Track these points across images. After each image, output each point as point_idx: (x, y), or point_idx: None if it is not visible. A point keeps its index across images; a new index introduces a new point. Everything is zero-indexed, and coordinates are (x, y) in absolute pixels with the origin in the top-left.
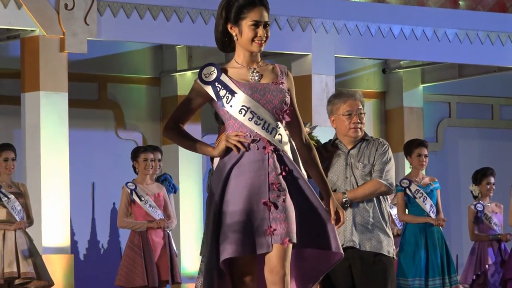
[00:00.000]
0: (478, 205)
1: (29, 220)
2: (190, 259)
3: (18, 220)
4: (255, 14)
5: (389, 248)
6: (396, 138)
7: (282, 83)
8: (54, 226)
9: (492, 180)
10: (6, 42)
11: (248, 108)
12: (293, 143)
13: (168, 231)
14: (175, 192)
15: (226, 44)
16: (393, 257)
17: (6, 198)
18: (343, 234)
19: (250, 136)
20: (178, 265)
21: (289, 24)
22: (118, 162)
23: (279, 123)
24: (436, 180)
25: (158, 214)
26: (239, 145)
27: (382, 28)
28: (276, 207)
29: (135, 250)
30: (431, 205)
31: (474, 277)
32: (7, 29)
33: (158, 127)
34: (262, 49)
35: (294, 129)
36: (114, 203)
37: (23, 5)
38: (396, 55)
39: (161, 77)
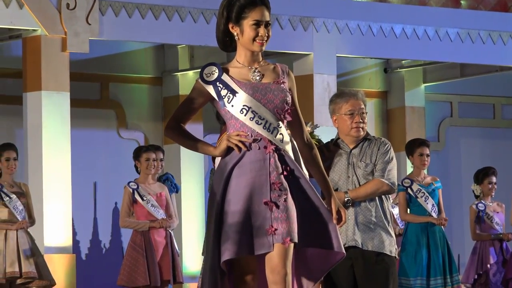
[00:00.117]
0: (480, 204)
1: (31, 220)
2: (192, 259)
3: (20, 219)
4: (256, 14)
5: (391, 247)
6: (398, 138)
7: (283, 82)
8: (56, 225)
9: (494, 179)
10: (8, 42)
11: (249, 108)
12: (295, 142)
13: (170, 230)
14: (177, 192)
15: (228, 44)
16: (395, 257)
17: (8, 198)
18: (345, 234)
19: (251, 136)
20: (180, 264)
21: (291, 23)
22: (120, 162)
23: (280, 122)
24: (438, 179)
25: (160, 214)
26: (240, 144)
27: (384, 27)
28: (277, 206)
29: (137, 250)
30: (433, 204)
31: (476, 276)
32: (9, 28)
33: (160, 126)
34: (264, 48)
35: (295, 128)
36: (116, 203)
37: (25, 5)
38: (397, 55)
39: (163, 76)
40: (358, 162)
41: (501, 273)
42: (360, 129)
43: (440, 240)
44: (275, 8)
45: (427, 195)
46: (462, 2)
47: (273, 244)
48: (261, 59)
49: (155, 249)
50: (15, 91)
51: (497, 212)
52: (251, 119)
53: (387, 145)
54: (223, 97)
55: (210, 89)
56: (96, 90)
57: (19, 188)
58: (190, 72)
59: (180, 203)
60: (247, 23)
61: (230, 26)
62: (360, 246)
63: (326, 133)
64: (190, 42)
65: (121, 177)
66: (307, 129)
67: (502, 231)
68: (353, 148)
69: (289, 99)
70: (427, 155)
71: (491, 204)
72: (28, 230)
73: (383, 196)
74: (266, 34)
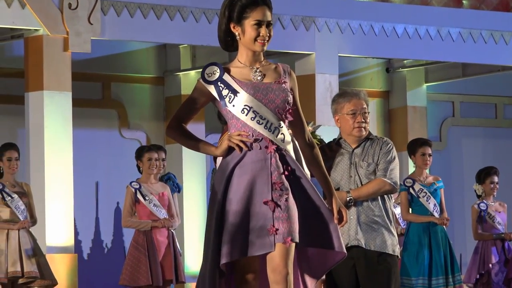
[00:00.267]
0: (482, 204)
1: (33, 220)
2: (194, 259)
3: (22, 219)
4: (258, 14)
5: (393, 247)
6: (399, 137)
7: (284, 82)
8: (58, 225)
9: (496, 179)
10: (10, 42)
11: (250, 108)
12: (296, 142)
13: (172, 230)
14: (179, 192)
15: (229, 44)
16: (398, 256)
17: (9, 198)
18: (348, 233)
19: (253, 136)
20: (182, 264)
21: (293, 23)
22: (122, 162)
23: (281, 122)
24: (440, 179)
25: (162, 214)
26: (241, 144)
27: (385, 27)
28: (278, 206)
29: (140, 250)
30: (435, 204)
31: (478, 276)
32: (11, 28)
33: (161, 126)
34: (265, 48)
35: (297, 128)
36: (118, 203)
37: (27, 5)
38: (399, 54)
39: (165, 76)
40: (360, 161)
41: (503, 273)
42: (362, 128)
43: (442, 240)
44: (277, 7)
45: (429, 194)
46: (464, 1)
47: (275, 244)
48: (262, 59)
49: (157, 249)
50: (17, 91)
51: (499, 212)
52: (252, 119)
53: (389, 145)
54: (225, 97)
55: (212, 89)
56: (98, 90)
57: (21, 188)
58: (192, 72)
59: (182, 203)
60: (249, 23)
61: (231, 26)
62: (363, 246)
63: (328, 132)
64: (192, 42)
65: (123, 177)
66: (309, 128)
67: (504, 230)
68: (355, 148)
69: (290, 99)
70: (429, 155)
71: (493, 203)
72: (30, 229)
73: (385, 196)
74: (268, 34)
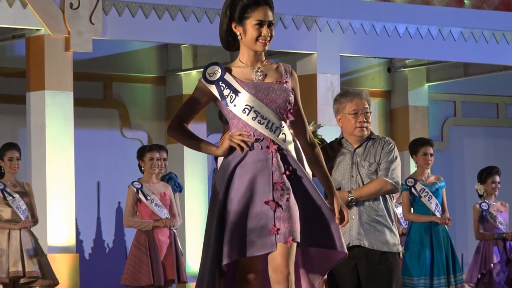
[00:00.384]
0: (483, 204)
1: (34, 220)
2: (195, 258)
3: (23, 219)
4: (259, 14)
5: (395, 247)
6: (401, 137)
7: (286, 82)
8: (59, 225)
9: (497, 178)
10: (11, 42)
11: (251, 108)
12: (298, 142)
13: (173, 230)
14: (180, 191)
15: (231, 43)
16: (399, 256)
17: (11, 198)
18: (349, 233)
19: (254, 136)
20: (184, 264)
21: (294, 23)
22: (123, 161)
23: (283, 122)
24: (442, 178)
25: (164, 213)
26: (242, 144)
27: (387, 27)
28: (280, 206)
29: (141, 249)
30: (436, 204)
31: (479, 276)
32: (12, 28)
33: (163, 126)
34: (267, 48)
35: (298, 128)
36: (119, 202)
37: (28, 5)
38: (401, 54)
39: (166, 76)
40: (362, 161)
41: (504, 273)
42: (364, 128)
43: (444, 239)
44: (279, 7)
45: (431, 194)
46: (465, 1)
47: (276, 244)
48: (264, 58)
49: (159, 249)
50: (19, 90)
51: (501, 212)
52: (254, 118)
53: (391, 145)
54: (226, 96)
55: (213, 89)
56: (99, 89)
57: (22, 188)
58: (194, 72)
59: (183, 202)
60: (250, 23)
61: (233, 25)
62: (364, 245)
63: (329, 132)
64: (193, 41)
65: (125, 176)
66: (310, 128)
67: (506, 230)
68: (357, 148)
69: (291, 98)
70: (431, 155)
71: (494, 203)
72: (31, 229)
73: (387, 195)
74: (269, 34)
